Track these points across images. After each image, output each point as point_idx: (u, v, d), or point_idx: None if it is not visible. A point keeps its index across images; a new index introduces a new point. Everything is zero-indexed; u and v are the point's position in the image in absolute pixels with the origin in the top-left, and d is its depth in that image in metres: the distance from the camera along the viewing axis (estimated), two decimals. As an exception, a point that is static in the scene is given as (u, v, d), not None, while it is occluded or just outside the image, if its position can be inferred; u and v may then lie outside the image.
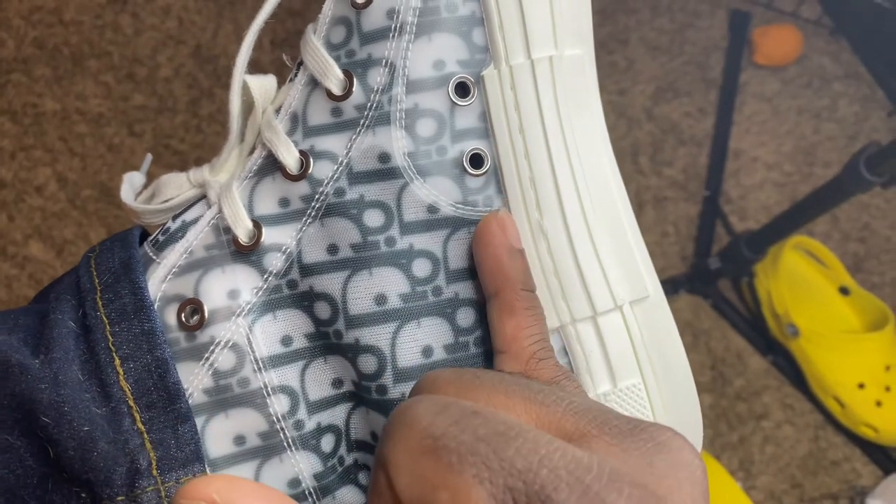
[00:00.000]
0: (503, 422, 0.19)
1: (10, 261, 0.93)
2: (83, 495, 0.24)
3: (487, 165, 0.26)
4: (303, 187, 0.26)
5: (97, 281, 0.27)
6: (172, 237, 0.28)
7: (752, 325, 0.96)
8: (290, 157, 0.26)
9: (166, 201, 0.30)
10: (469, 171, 0.26)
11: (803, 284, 0.95)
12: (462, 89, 0.26)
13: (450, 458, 0.18)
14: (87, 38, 1.02)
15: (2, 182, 0.96)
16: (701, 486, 0.18)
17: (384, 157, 0.26)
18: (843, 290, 0.94)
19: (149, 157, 0.33)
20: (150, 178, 0.32)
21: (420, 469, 0.18)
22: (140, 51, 1.02)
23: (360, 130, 0.26)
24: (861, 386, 0.90)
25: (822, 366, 0.91)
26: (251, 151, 0.29)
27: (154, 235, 0.29)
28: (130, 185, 0.31)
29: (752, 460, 0.91)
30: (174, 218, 0.29)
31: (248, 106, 0.29)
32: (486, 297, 0.26)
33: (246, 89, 0.29)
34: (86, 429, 0.24)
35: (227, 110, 0.29)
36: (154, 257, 0.28)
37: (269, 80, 0.29)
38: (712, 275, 0.94)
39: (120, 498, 0.24)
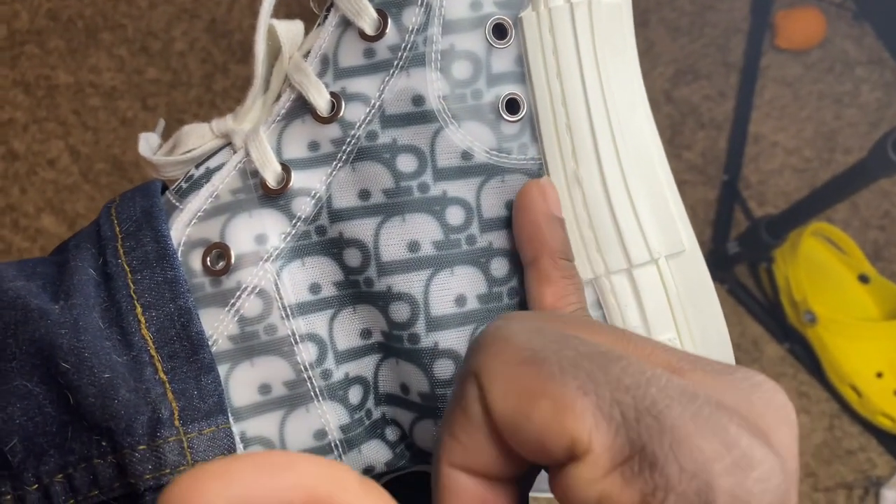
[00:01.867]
0: (602, 345, 0.18)
1: (21, 233, 0.93)
2: (104, 444, 0.23)
3: (523, 111, 0.25)
4: (333, 130, 0.25)
5: (118, 229, 0.26)
6: (196, 184, 0.27)
7: (769, 312, 0.95)
8: (320, 99, 0.26)
9: (188, 152, 0.29)
10: (505, 116, 0.25)
11: (822, 271, 0.93)
12: (499, 31, 0.25)
13: (552, 368, 0.17)
14: (101, 11, 1.01)
15: (14, 154, 0.95)
16: (795, 430, 0.17)
17: (418, 100, 0.25)
18: (863, 278, 0.93)
19: (162, 121, 0.32)
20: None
21: (519, 379, 0.17)
22: (154, 24, 1.01)
23: (393, 72, 0.25)
24: (879, 375, 0.89)
25: (840, 354, 0.90)
26: (277, 99, 0.28)
27: (177, 183, 0.28)
28: (147, 143, 0.30)
29: (767, 447, 0.90)
30: (197, 166, 0.28)
31: (274, 52, 0.28)
32: (523, 264, 0.25)
33: (272, 34, 0.28)
34: (106, 375, 0.23)
35: (248, 71, 0.28)
36: (177, 204, 0.27)
37: (297, 26, 0.28)
38: (730, 260, 0.93)
39: (141, 447, 0.23)
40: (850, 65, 1.05)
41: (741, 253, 0.92)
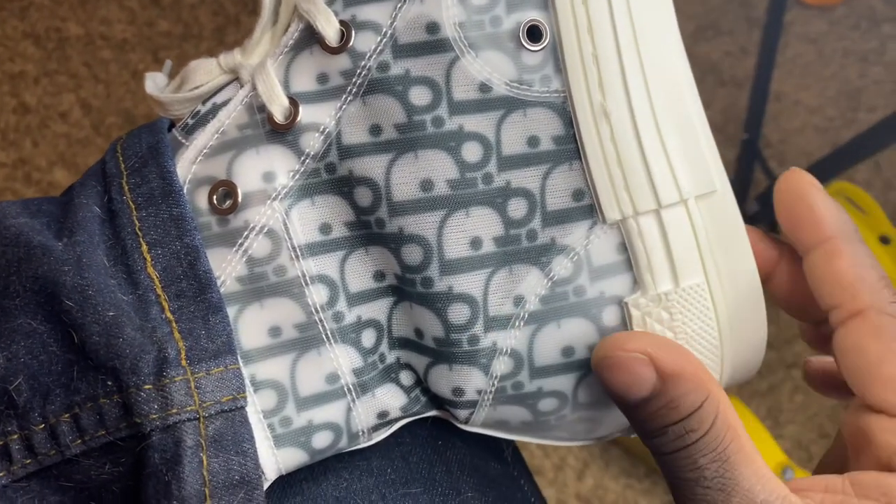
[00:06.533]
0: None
1: (34, 187, 0.92)
2: (109, 383, 0.23)
3: (546, 40, 0.24)
4: (343, 61, 0.24)
5: (123, 165, 0.26)
6: (203, 120, 0.26)
7: (787, 273, 0.93)
8: (329, 28, 0.24)
9: (195, 88, 0.28)
10: (526, 45, 0.24)
11: (842, 232, 0.92)
12: None
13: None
14: (111, -38, 0.99)
15: (26, 107, 0.95)
16: None
17: (433, 28, 0.24)
18: (884, 239, 0.91)
19: (169, 62, 0.31)
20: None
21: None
22: (165, -24, 0.99)
23: None
24: (898, 337, 0.88)
25: (858, 316, 0.89)
26: (286, 31, 0.27)
27: (183, 120, 0.27)
28: (154, 82, 0.29)
29: (781, 409, 0.89)
30: (204, 102, 0.27)
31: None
32: (835, 317, 0.24)
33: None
34: (111, 314, 0.23)
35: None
36: (183, 141, 0.26)
37: None
38: (749, 220, 0.92)
39: (147, 386, 0.22)
40: (877, 21, 1.02)
41: (761, 212, 0.91)
